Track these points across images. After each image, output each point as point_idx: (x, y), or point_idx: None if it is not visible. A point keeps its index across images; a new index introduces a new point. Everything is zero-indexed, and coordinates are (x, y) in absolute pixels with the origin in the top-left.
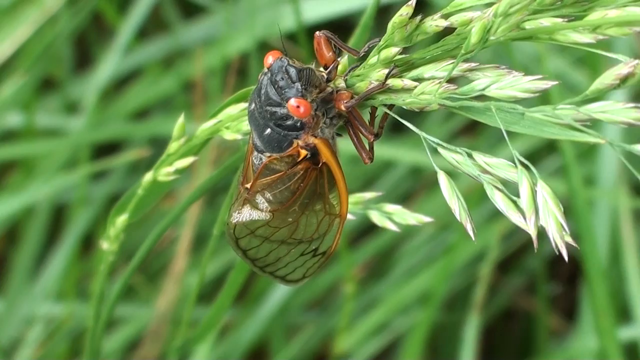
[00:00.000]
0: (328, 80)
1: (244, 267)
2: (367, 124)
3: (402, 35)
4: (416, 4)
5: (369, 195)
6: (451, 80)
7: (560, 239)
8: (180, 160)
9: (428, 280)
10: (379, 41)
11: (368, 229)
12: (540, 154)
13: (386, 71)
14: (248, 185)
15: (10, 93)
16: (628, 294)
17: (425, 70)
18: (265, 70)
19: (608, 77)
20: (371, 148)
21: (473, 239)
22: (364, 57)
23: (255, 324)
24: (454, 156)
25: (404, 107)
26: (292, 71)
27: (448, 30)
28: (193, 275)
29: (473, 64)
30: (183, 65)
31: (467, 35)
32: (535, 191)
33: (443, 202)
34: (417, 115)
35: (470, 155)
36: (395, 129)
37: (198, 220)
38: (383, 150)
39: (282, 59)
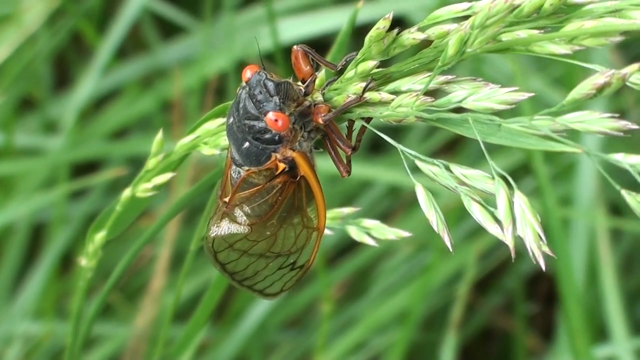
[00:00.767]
0: (306, 94)
1: (220, 284)
2: (345, 137)
3: (379, 49)
4: (393, 19)
5: (347, 210)
6: (428, 92)
7: (537, 248)
8: (159, 176)
9: (405, 300)
10: (357, 55)
11: (346, 247)
12: (517, 174)
13: (363, 84)
14: (226, 199)
15: None
16: (605, 313)
17: (403, 83)
18: (244, 84)
19: (585, 87)
20: (348, 161)
21: (451, 250)
22: (342, 71)
23: (233, 343)
24: (432, 168)
25: (382, 120)
26: (270, 85)
27: (425, 43)
28: (171, 293)
29: (450, 77)
30: (161, 85)
31: (444, 47)
32: (513, 202)
33: (421, 221)
34: (396, 133)
35: (447, 168)
36: (373, 148)
37: (176, 239)
38: (362, 169)
39: (260, 73)
